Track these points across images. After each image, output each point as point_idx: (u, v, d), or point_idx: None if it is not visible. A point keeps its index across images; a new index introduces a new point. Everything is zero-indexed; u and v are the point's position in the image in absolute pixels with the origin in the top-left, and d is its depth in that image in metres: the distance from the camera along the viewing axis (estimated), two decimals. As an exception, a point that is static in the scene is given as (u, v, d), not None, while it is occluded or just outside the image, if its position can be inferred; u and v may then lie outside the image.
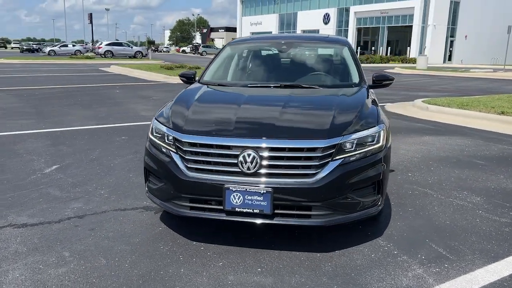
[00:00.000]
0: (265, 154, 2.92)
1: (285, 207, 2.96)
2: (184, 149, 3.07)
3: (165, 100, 9.74)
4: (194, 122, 3.22)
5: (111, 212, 3.83)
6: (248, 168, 2.91)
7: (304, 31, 59.53)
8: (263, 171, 2.93)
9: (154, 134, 3.36)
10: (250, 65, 4.75)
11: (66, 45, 52.57)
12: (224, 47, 4.98)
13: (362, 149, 3.08)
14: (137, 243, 3.24)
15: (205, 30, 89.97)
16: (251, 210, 2.94)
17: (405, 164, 5.48)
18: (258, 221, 2.97)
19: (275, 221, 2.97)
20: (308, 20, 57.86)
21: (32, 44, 69.66)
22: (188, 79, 4.54)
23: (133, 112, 9.54)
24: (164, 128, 3.27)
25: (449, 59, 47.19)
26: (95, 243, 3.22)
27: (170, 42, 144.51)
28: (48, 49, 51.08)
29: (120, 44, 45.58)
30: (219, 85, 4.25)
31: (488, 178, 4.95)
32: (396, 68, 29.94)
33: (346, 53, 4.56)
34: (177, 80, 11.22)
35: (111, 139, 6.69)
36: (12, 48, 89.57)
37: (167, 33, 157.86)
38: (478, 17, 45.66)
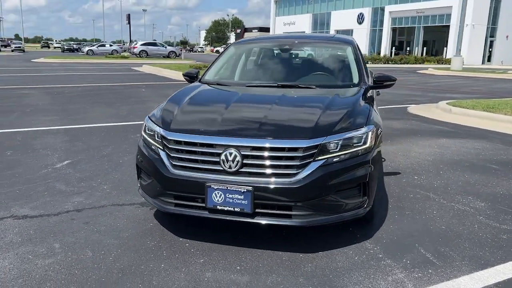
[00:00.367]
0: (247, 153, 2.94)
1: (266, 207, 2.97)
2: (170, 146, 3.13)
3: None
4: (181, 121, 3.27)
5: (108, 207, 3.94)
6: (230, 167, 2.94)
7: (337, 31, 58.90)
8: (244, 170, 2.94)
9: (147, 132, 3.43)
10: (251, 65, 4.78)
11: (104, 45, 54.15)
12: (228, 46, 5.03)
13: (348, 150, 3.04)
14: (126, 237, 3.33)
15: (239, 31, 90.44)
16: (232, 209, 2.96)
17: (413, 167, 5.35)
18: (239, 219, 2.99)
19: (256, 220, 2.98)
20: (342, 20, 57.22)
21: (73, 44, 72.20)
22: (191, 78, 4.61)
23: (154, 110, 9.72)
24: (154, 126, 3.34)
25: (489, 60, 45.53)
26: (85, 236, 3.33)
27: (205, 43, 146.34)
28: (86, 48, 52.89)
29: (154, 44, 46.55)
30: (217, 84, 4.29)
31: (498, 183, 4.78)
32: (429, 69, 29.18)
33: (349, 53, 4.51)
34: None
35: (126, 137, 6.86)
36: (54, 47, 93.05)
37: (203, 34, 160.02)
38: (520, 16, 43.85)
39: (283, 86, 4.02)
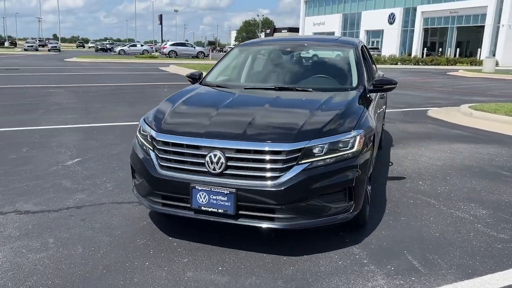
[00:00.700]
0: (231, 155, 2.98)
1: (249, 209, 2.99)
2: (158, 147, 3.20)
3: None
4: (171, 123, 3.34)
5: (107, 204, 4.05)
6: (214, 169, 2.98)
7: (367, 32, 58.22)
8: (229, 172, 2.98)
9: (141, 132, 3.52)
10: (253, 67, 4.81)
11: (135, 45, 55.30)
12: (232, 48, 5.08)
13: (334, 154, 3.03)
14: (118, 235, 3.42)
15: (268, 31, 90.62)
16: (215, 210, 3.01)
17: (420, 172, 5.26)
18: (223, 220, 3.03)
19: (239, 222, 3.02)
20: (372, 20, 56.42)
21: (106, 44, 73.99)
22: (194, 79, 4.69)
23: (172, 110, 9.88)
24: (146, 128, 3.42)
25: (525, 61, 43.86)
26: (80, 233, 3.44)
27: (236, 43, 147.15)
28: (118, 48, 54.15)
29: (183, 45, 47.24)
30: (217, 86, 4.34)
31: (506, 191, 4.63)
32: (460, 71, 28.38)
33: (351, 56, 4.47)
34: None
35: (139, 136, 7.00)
36: (89, 47, 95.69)
37: (233, 34, 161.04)
38: (561, 16, 42.02)
39: (280, 89, 4.04)
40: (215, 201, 2.98)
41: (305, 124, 3.12)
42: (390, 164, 5.61)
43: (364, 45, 5.26)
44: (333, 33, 63.19)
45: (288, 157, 2.93)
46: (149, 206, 3.29)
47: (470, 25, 45.82)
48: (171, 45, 46.08)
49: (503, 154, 6.25)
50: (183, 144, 3.11)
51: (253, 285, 2.75)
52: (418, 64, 37.02)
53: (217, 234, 3.43)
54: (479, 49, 44.01)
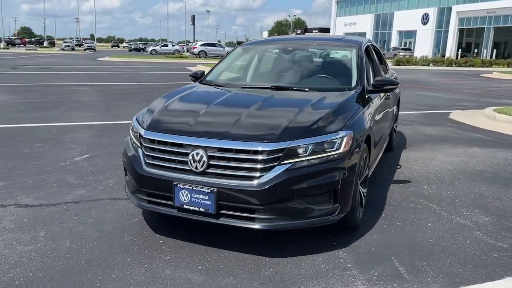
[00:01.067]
0: (213, 154, 2.96)
1: (230, 208, 2.97)
2: (145, 145, 3.22)
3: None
4: (159, 121, 3.36)
5: (105, 200, 4.11)
6: (196, 167, 2.98)
7: (400, 32, 57.08)
8: (211, 170, 2.97)
9: (133, 130, 3.55)
10: (253, 66, 4.78)
11: (166, 45, 56.22)
12: (235, 48, 5.06)
13: (319, 154, 2.97)
14: (107, 230, 3.46)
15: (299, 31, 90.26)
16: (197, 208, 3.00)
17: (428, 176, 5.09)
18: (204, 219, 3.02)
19: (220, 221, 3.00)
20: (405, 20, 55.25)
21: (139, 43, 75.53)
22: (196, 78, 4.71)
23: (189, 109, 9.96)
24: (137, 125, 3.45)
25: None
26: (71, 227, 3.51)
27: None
28: (150, 48, 55.16)
29: (213, 45, 47.69)
30: (215, 85, 4.34)
31: (516, 197, 4.42)
32: (494, 73, 27.38)
33: (352, 55, 4.37)
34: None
35: (151, 134, 7.09)
36: (123, 47, 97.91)
37: (265, 34, 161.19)
38: None
39: (277, 88, 4.00)
40: (196, 200, 2.98)
41: (290, 124, 3.07)
42: (399, 167, 5.46)
43: (372, 45, 5.14)
44: (364, 34, 62.29)
45: (269, 157, 2.89)
46: (136, 203, 3.32)
47: (508, 25, 44.18)
48: (201, 45, 46.64)
49: (521, 159, 5.98)
50: (167, 142, 3.12)
51: (229, 285, 2.73)
52: (451, 66, 35.95)
53: (205, 233, 3.42)
54: (517, 51, 42.41)
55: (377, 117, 4.19)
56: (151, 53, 51.51)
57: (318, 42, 4.84)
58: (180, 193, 3.01)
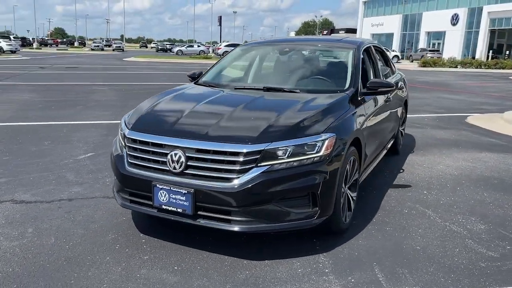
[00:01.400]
0: (191, 154, 2.96)
1: (207, 210, 2.96)
2: (128, 144, 3.25)
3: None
4: (143, 121, 3.38)
5: (98, 198, 4.18)
6: (175, 168, 2.98)
7: (428, 33, 55.89)
8: (189, 171, 2.97)
9: (121, 129, 3.59)
10: (249, 67, 4.76)
11: (192, 46, 56.90)
12: (233, 49, 5.06)
13: (298, 157, 2.92)
14: (93, 228, 3.51)
15: (325, 32, 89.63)
16: (175, 209, 3.01)
17: (430, 181, 4.95)
18: (182, 220, 3.02)
19: (197, 222, 2.99)
20: (434, 21, 54.00)
21: (166, 44, 76.62)
22: (193, 79, 4.73)
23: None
24: (123, 125, 3.49)
25: None
26: (59, 224, 3.57)
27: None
28: (176, 49, 55.81)
29: (237, 46, 47.84)
30: (209, 85, 4.34)
31: (519, 205, 4.25)
32: (524, 75, 26.48)
33: (349, 57, 4.28)
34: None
35: (158, 133, 7.16)
36: (151, 48, 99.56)
37: (292, 35, 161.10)
38: None
39: (269, 90, 3.97)
40: (174, 200, 2.98)
41: (270, 126, 3.04)
42: (401, 171, 5.34)
43: (373, 46, 5.03)
44: (391, 35, 61.30)
45: (246, 158, 2.87)
46: (120, 202, 3.36)
47: (542, 26, 42.67)
48: (225, 46, 46.91)
49: (533, 165, 5.75)
50: (148, 142, 3.14)
51: (201, 286, 2.72)
52: (480, 68, 34.96)
53: (188, 233, 3.42)
54: (551, 52, 40.85)
55: (373, 120, 4.11)
56: (177, 54, 52.14)
57: (316, 43, 4.77)
58: (159, 193, 3.02)
